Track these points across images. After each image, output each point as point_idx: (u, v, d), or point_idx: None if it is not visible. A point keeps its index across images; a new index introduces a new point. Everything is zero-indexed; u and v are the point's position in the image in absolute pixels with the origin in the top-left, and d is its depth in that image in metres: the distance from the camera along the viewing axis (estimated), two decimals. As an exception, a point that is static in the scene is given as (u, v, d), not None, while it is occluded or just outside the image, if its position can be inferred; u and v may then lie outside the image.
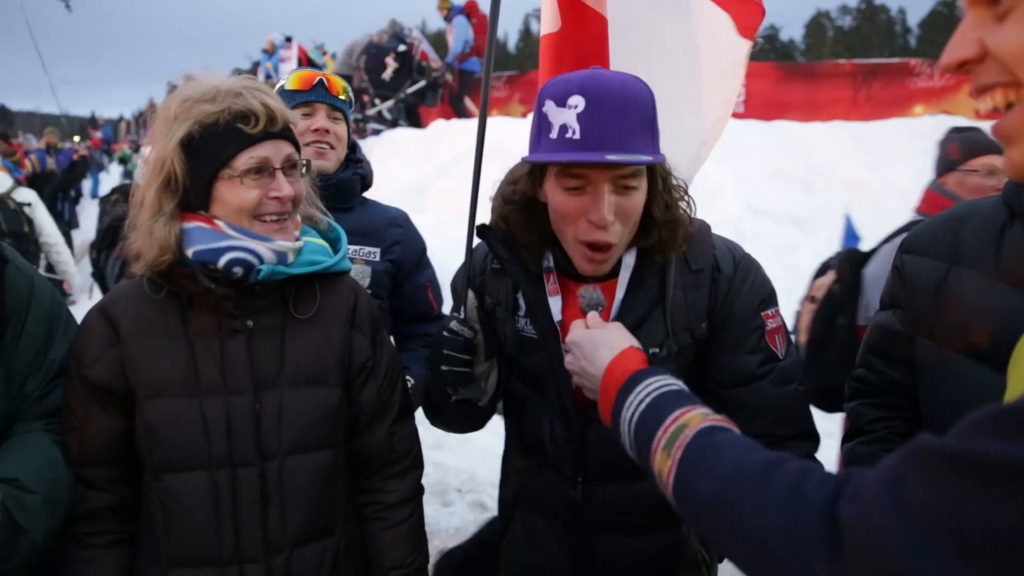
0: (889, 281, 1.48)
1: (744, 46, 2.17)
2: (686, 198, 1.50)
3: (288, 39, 14.36)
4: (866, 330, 1.57)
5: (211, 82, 1.41)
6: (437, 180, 8.17)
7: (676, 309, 1.46)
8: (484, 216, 1.61)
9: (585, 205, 1.36)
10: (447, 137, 9.58)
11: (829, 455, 1.52)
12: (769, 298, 1.51)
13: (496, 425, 1.77)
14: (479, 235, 1.58)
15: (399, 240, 2.28)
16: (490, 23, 1.68)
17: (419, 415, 1.76)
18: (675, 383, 1.12)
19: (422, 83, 12.12)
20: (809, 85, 13.14)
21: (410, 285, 2.32)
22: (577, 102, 1.32)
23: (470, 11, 11.79)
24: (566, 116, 1.33)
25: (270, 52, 14.66)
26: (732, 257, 1.50)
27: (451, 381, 1.51)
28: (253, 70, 15.24)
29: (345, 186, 2.19)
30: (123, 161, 18.91)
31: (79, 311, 1.57)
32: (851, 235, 4.01)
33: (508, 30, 76.52)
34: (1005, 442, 0.61)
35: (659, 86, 1.46)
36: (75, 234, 11.98)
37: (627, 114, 1.32)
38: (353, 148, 2.32)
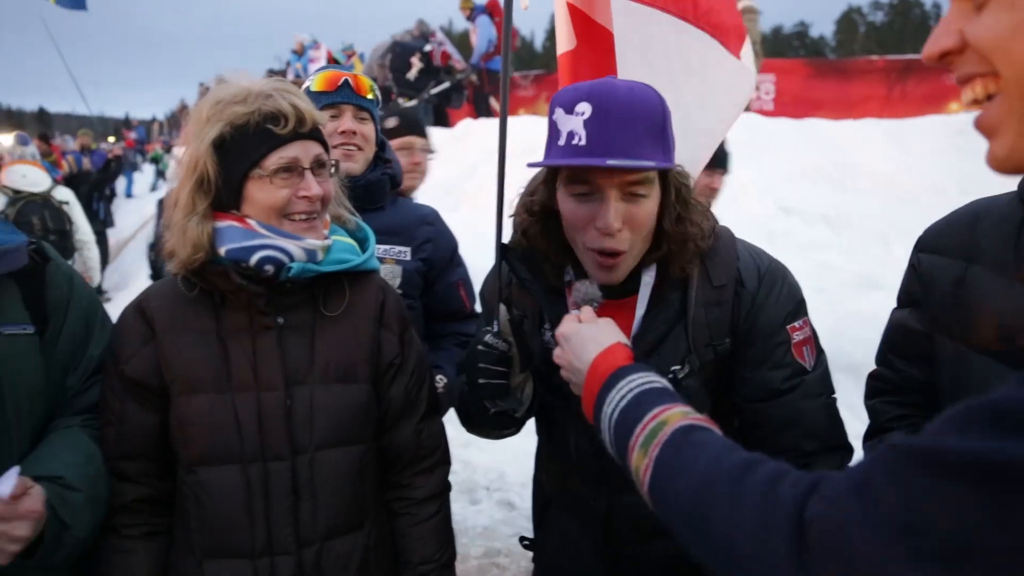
0: (905, 279, 1.47)
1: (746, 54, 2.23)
2: (706, 212, 1.47)
3: (316, 42, 14.52)
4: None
5: (242, 84, 1.44)
6: (466, 179, 8.20)
7: (698, 326, 1.44)
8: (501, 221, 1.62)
9: (593, 212, 1.36)
10: (474, 136, 9.60)
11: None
12: (797, 309, 1.47)
13: (526, 424, 1.77)
14: (503, 256, 1.58)
15: (430, 238, 2.27)
16: (504, 25, 1.68)
17: (450, 414, 1.77)
18: (658, 380, 1.12)
19: (446, 84, 12.15)
20: (841, 82, 12.94)
21: (442, 283, 2.31)
22: (584, 109, 1.32)
23: (492, 10, 11.78)
24: (573, 123, 1.33)
25: (299, 53, 14.82)
26: (757, 270, 1.47)
27: (488, 394, 1.50)
28: (283, 71, 15.43)
29: (374, 187, 2.19)
30: (155, 161, 19.27)
31: (114, 309, 1.60)
32: None
33: (535, 29, 76.36)
34: (967, 438, 0.61)
35: (663, 92, 1.45)
36: (110, 232, 12.24)
37: (633, 121, 1.32)
38: (382, 147, 2.31)
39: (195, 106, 1.48)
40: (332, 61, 13.70)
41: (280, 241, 1.42)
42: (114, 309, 1.59)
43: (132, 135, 25.89)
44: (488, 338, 1.51)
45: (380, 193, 2.23)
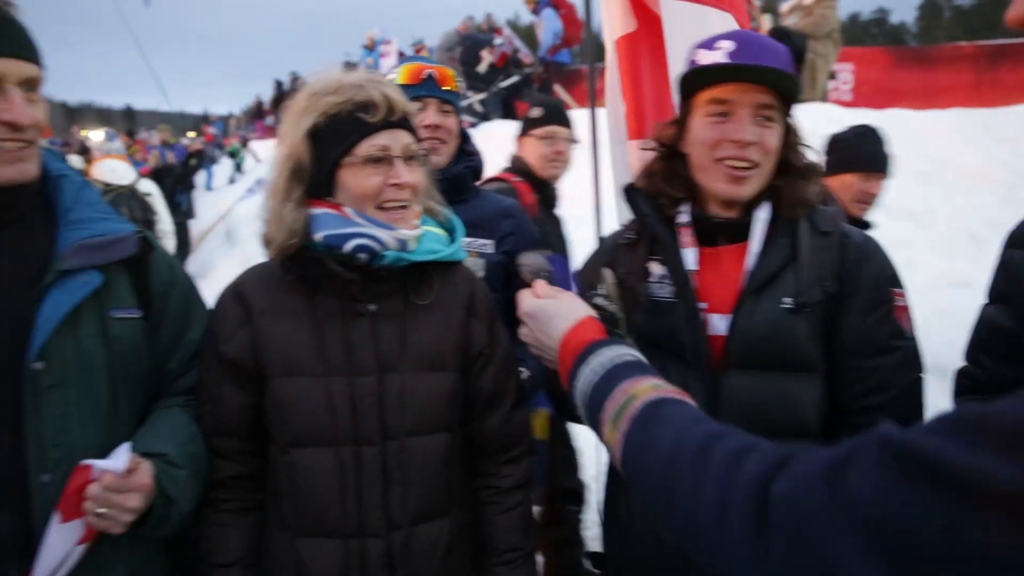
0: (995, 275, 1.48)
1: None
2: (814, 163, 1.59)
3: (386, 41, 14.78)
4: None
5: (336, 76, 1.48)
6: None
7: (808, 266, 1.48)
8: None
9: (728, 131, 1.48)
10: (542, 129, 9.59)
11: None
12: (896, 277, 1.51)
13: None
14: (625, 195, 1.68)
15: (512, 231, 2.27)
16: (586, 19, 1.71)
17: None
18: (631, 354, 1.10)
19: (516, 78, 12.17)
20: (924, 70, 12.34)
21: None
22: (727, 44, 1.48)
23: (557, 3, 11.73)
24: (715, 55, 1.49)
25: (370, 48, 15.11)
26: (858, 232, 1.55)
27: None
28: (355, 66, 15.73)
29: (458, 180, 2.20)
30: (232, 155, 19.87)
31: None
32: None
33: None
34: (955, 447, 0.59)
35: None
36: (191, 223, 12.75)
37: (773, 50, 1.49)
38: (465, 139, 2.31)
39: (293, 98, 1.52)
40: (401, 56, 13.92)
41: (373, 230, 1.45)
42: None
43: (211, 130, 26.87)
44: (598, 300, 1.51)
45: (463, 186, 2.23)
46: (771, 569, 0.70)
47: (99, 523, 1.30)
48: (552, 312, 1.25)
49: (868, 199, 3.22)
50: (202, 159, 16.24)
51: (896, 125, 9.10)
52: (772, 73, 1.46)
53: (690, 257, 1.55)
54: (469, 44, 12.12)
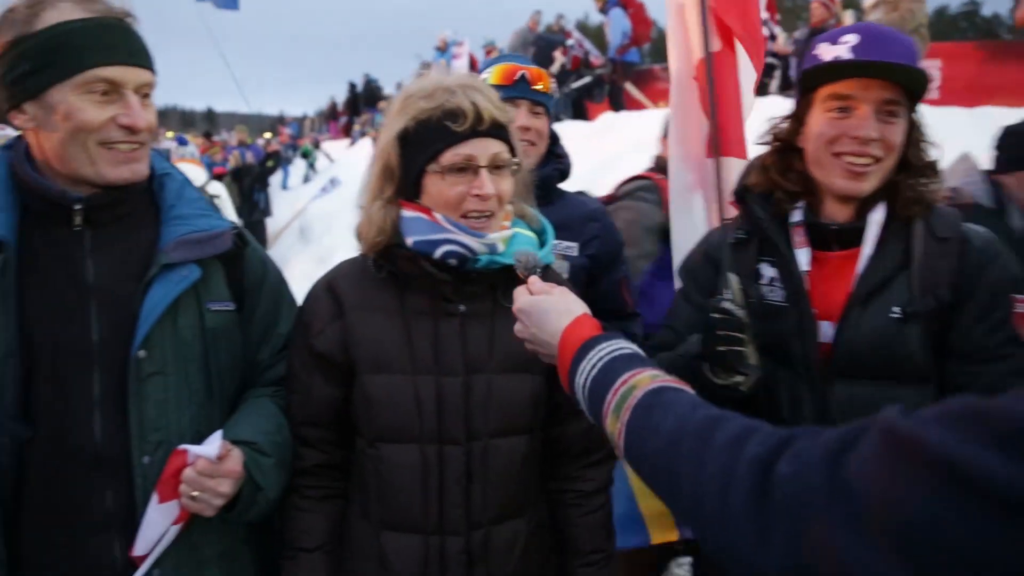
0: None
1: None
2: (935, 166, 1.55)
3: (459, 42, 14.96)
4: None
5: (435, 79, 1.49)
6: (607, 172, 8.14)
7: (922, 273, 1.44)
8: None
9: (849, 127, 1.45)
10: (615, 129, 9.53)
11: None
12: (1020, 282, 1.45)
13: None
14: (737, 197, 1.67)
15: (597, 235, 2.24)
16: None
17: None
18: (628, 347, 1.11)
19: (587, 79, 12.13)
20: (1020, 65, 11.69)
21: (606, 281, 2.26)
22: (851, 38, 1.44)
23: (625, 2, 11.62)
24: (839, 50, 1.45)
25: (443, 49, 15.31)
26: (982, 235, 1.50)
27: (729, 361, 1.48)
28: (428, 67, 15.96)
29: (545, 182, 2.17)
30: (305, 155, 20.37)
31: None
32: None
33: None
34: (956, 439, 0.60)
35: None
36: (268, 221, 13.20)
37: (899, 42, 1.45)
38: (555, 141, 2.29)
39: (393, 98, 1.56)
40: (472, 59, 14.07)
41: (463, 237, 1.45)
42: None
43: (287, 131, 27.72)
44: (726, 304, 1.50)
45: (550, 188, 2.21)
46: (773, 549, 0.72)
47: (192, 505, 1.37)
48: (547, 308, 1.26)
49: None
50: (279, 159, 16.77)
51: (987, 123, 8.65)
52: (900, 70, 1.42)
53: (803, 258, 1.52)
54: (542, 45, 12.13)
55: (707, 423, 0.88)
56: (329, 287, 1.57)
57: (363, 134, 19.78)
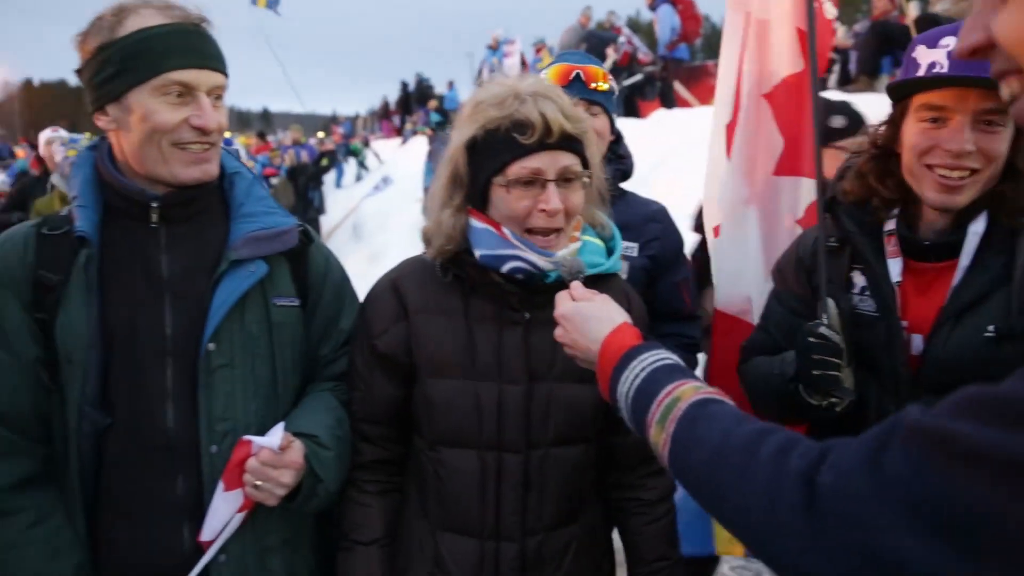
0: None
1: None
2: None
3: (510, 41, 15.01)
4: None
5: (508, 84, 1.45)
6: (659, 170, 8.07)
7: (1022, 288, 1.36)
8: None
9: (942, 139, 1.39)
10: (667, 127, 9.42)
11: None
12: None
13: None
14: (828, 209, 1.63)
15: (658, 236, 2.21)
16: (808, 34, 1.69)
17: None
18: (670, 357, 1.13)
19: (639, 76, 12.02)
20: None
21: (665, 282, 2.24)
22: (950, 42, 1.37)
23: (675, -1, 11.47)
24: (936, 55, 1.39)
25: (494, 48, 15.37)
26: None
27: (824, 386, 1.48)
28: (479, 68, 16.07)
29: (606, 182, 2.16)
30: (354, 154, 20.62)
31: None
32: None
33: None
34: (984, 426, 0.64)
35: None
36: (322, 219, 13.47)
37: None
38: (618, 140, 2.25)
39: (465, 101, 1.54)
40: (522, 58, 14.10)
41: (529, 255, 1.43)
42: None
43: (339, 130, 28.17)
44: (823, 330, 1.48)
45: (611, 188, 2.20)
46: (825, 554, 0.76)
47: (256, 494, 1.41)
48: (588, 314, 1.26)
49: None
50: (333, 158, 17.07)
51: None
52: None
53: (895, 269, 1.48)
54: (594, 42, 12.06)
55: (752, 437, 0.90)
56: (393, 287, 1.58)
57: (415, 133, 19.97)
